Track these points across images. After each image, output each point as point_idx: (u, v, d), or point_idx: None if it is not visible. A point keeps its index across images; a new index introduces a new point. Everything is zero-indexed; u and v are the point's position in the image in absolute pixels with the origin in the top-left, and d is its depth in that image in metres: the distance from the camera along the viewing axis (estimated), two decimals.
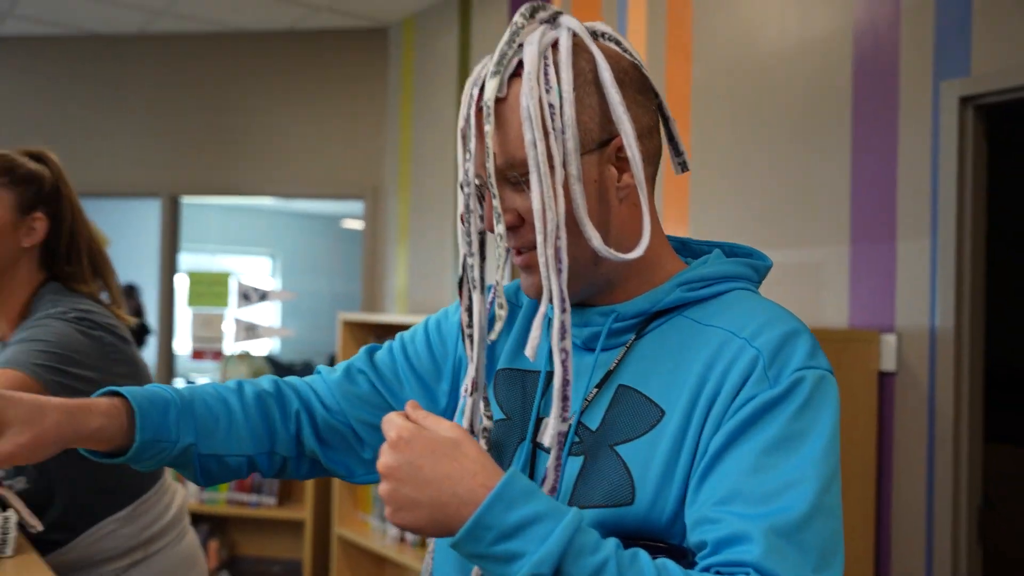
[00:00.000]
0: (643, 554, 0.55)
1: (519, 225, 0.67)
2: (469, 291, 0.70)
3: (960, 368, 1.71)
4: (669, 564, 0.55)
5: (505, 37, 0.66)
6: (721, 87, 2.18)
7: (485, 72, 0.67)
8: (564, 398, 0.63)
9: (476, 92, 0.66)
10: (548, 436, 0.63)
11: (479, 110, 0.66)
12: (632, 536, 0.60)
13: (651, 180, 0.69)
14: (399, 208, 3.55)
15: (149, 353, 5.19)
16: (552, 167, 0.63)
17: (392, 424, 0.60)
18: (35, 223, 1.19)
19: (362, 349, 0.85)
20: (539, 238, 0.63)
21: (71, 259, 1.23)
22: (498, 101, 0.65)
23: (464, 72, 3.21)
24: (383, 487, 0.59)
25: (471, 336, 0.70)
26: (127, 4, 3.37)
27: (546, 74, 0.64)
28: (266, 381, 0.81)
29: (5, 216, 1.17)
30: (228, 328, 3.54)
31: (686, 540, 0.59)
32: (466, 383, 0.70)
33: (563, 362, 0.63)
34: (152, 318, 5.33)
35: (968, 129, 1.71)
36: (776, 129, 2.05)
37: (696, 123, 2.24)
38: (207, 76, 3.74)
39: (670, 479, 0.60)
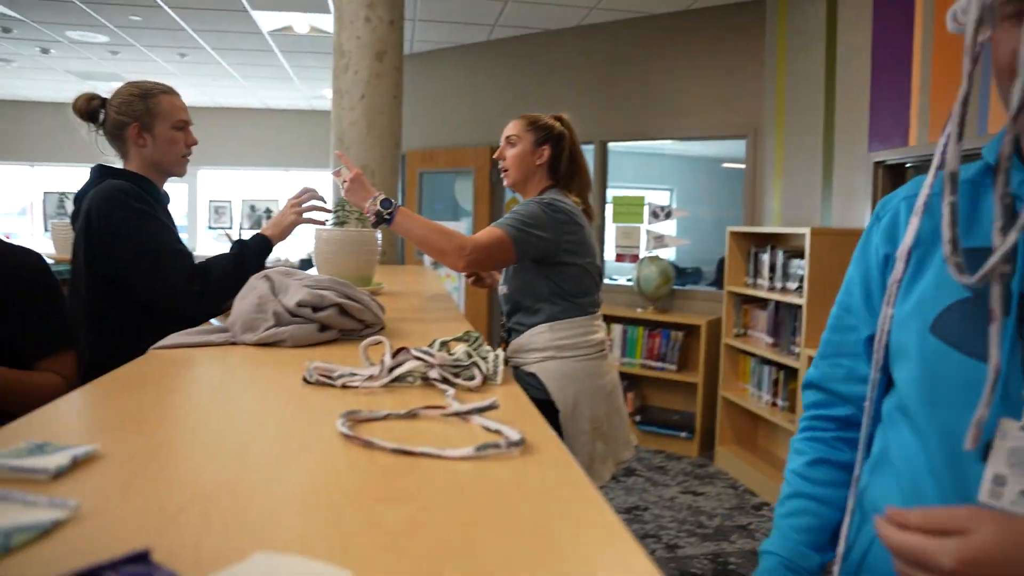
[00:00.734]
0: None
1: None
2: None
3: None
4: None
5: None
6: None
7: None
8: None
9: None
10: None
11: None
12: None
13: None
14: (775, 145, 4.07)
15: None
16: None
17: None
18: (544, 152, 1.84)
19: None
20: None
21: (567, 177, 1.85)
22: None
23: (832, 34, 3.52)
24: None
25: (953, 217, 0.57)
26: (570, 4, 4.53)
27: None
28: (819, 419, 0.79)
29: (526, 147, 1.82)
30: (642, 238, 4.61)
31: None
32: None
33: None
34: None
35: None
36: None
37: None
38: (625, 51, 4.72)
39: None
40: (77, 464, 0.58)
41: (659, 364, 4.29)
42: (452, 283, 5.24)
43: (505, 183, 1.84)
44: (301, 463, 0.60)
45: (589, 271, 1.77)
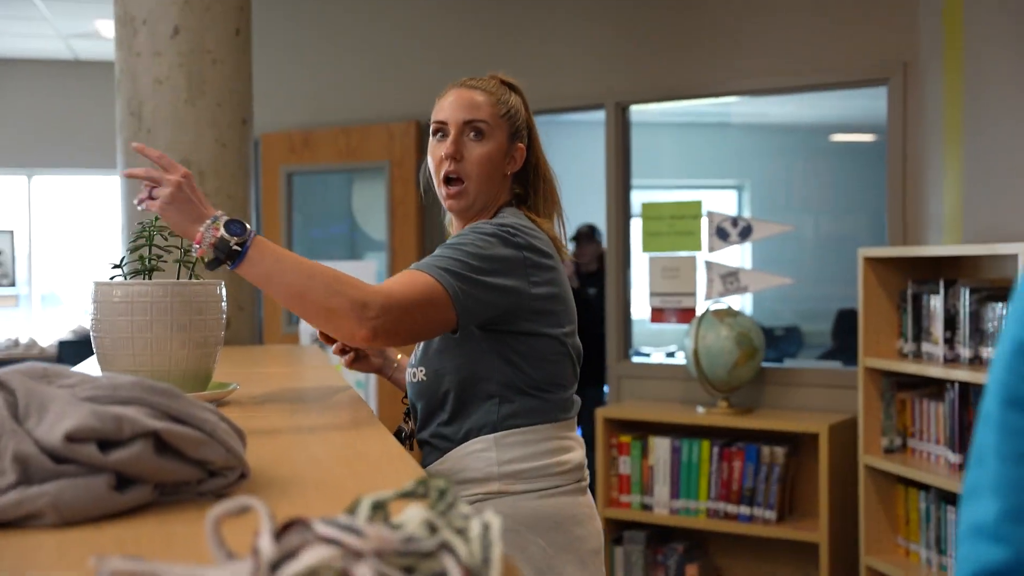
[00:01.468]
0: None
1: None
2: None
3: None
4: None
5: None
6: None
7: None
8: None
9: None
10: None
11: None
12: None
13: None
14: (943, 96, 4.13)
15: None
16: None
17: None
18: (516, 152, 2.06)
19: None
20: None
21: (531, 189, 2.09)
22: None
23: None
24: None
25: None
26: None
27: None
28: None
29: (500, 144, 2.03)
30: (698, 277, 4.60)
31: None
32: None
33: None
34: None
35: None
36: None
37: None
38: None
39: None
40: None
41: (743, 509, 4.31)
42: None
43: (452, 204, 2.02)
44: None
45: (567, 347, 1.97)
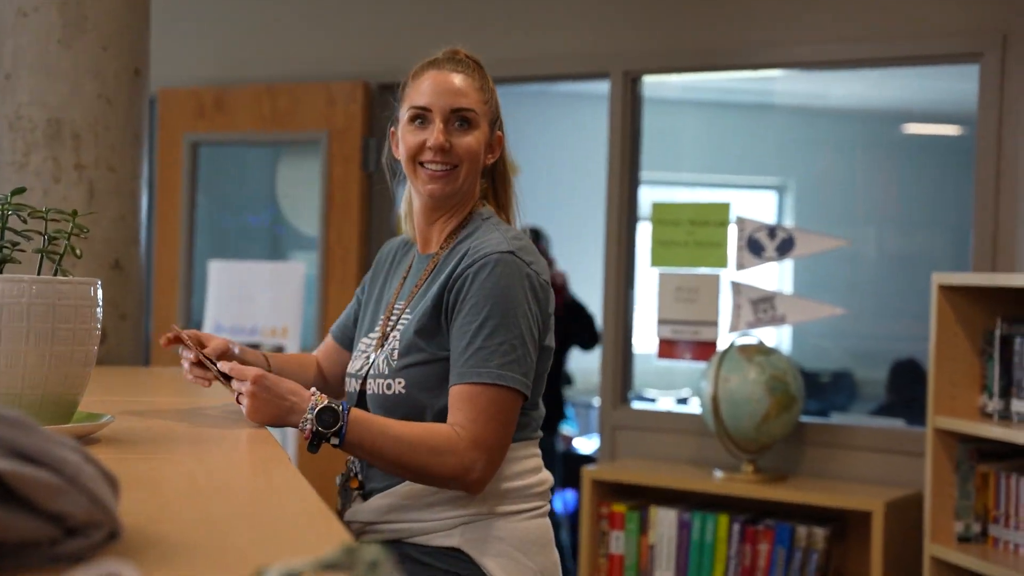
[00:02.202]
0: None
1: None
2: None
3: None
4: None
5: None
6: None
7: None
8: None
9: None
10: None
11: None
12: None
13: None
14: None
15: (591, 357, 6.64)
16: None
17: None
18: (495, 142, 2.44)
19: None
20: None
21: (497, 182, 2.49)
22: None
23: None
24: None
25: None
26: None
27: None
28: None
29: (484, 133, 2.40)
30: (721, 302, 4.62)
31: None
32: None
33: None
34: (589, 293, 6.80)
35: None
36: None
37: None
38: None
39: None
40: None
41: None
42: None
43: (436, 189, 2.38)
44: None
45: (544, 361, 2.41)
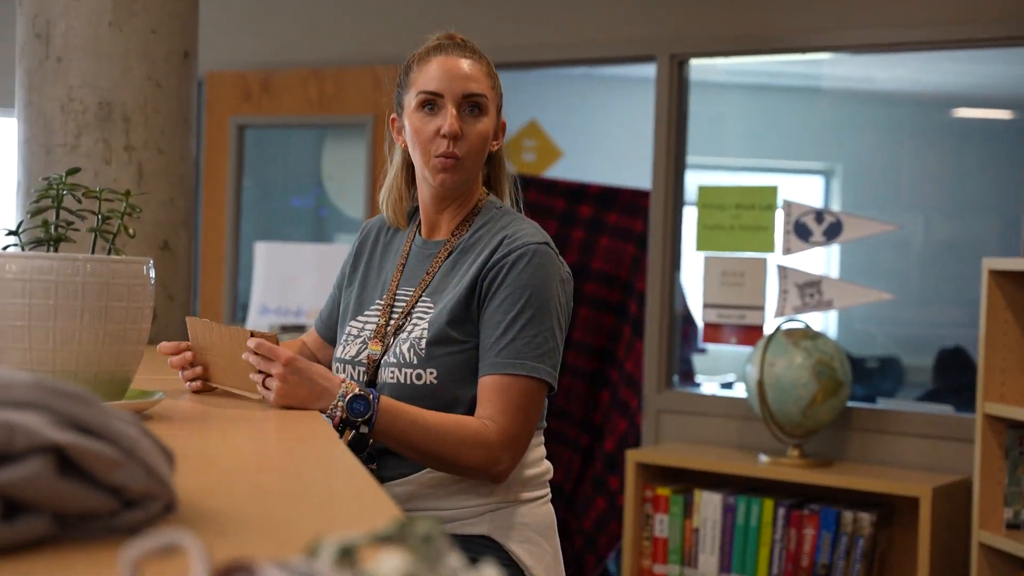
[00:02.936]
0: None
1: None
2: None
3: None
4: None
5: None
6: None
7: None
8: None
9: None
10: None
11: None
12: None
13: None
14: None
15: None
16: None
17: None
18: (501, 128, 2.49)
19: None
20: None
21: (496, 169, 2.55)
22: None
23: None
24: None
25: None
26: None
27: None
28: None
29: (494, 119, 2.44)
30: (769, 286, 4.62)
31: None
32: None
33: None
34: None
35: None
36: None
37: None
38: None
39: None
40: None
41: None
42: None
43: (447, 178, 2.38)
44: None
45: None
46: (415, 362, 2.32)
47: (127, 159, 3.44)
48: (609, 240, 5.35)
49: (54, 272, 1.82)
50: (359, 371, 2.41)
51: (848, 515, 4.28)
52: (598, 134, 7.94)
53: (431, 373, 2.31)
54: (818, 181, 8.31)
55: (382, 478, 2.35)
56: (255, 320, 5.33)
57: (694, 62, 5.03)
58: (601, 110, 7.99)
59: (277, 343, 2.26)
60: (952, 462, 4.37)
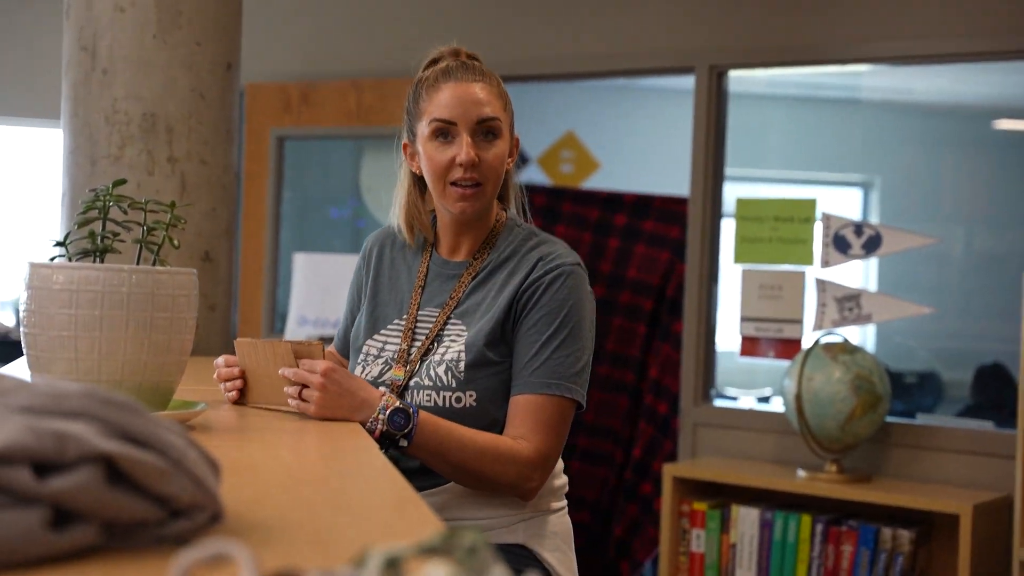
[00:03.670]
0: None
1: None
2: None
3: None
4: None
5: None
6: None
7: None
8: None
9: None
10: None
11: None
12: None
13: None
14: None
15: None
16: None
17: None
18: (515, 146, 2.50)
19: None
20: None
21: (507, 184, 2.57)
22: None
23: None
24: None
25: None
26: None
27: None
28: None
29: (508, 140, 2.45)
30: (807, 300, 4.60)
31: None
32: None
33: None
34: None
35: None
36: None
37: None
38: None
39: None
40: None
41: None
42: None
43: (468, 207, 2.38)
44: None
45: None
46: (453, 385, 2.34)
47: (170, 170, 3.46)
48: (645, 247, 5.34)
49: (100, 283, 1.84)
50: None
51: (887, 532, 4.26)
52: (636, 146, 7.94)
53: (471, 396, 2.34)
54: (857, 193, 8.28)
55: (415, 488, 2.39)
56: (293, 331, 5.36)
57: (733, 73, 5.02)
58: (639, 122, 7.99)
59: (323, 352, 2.26)
60: (993, 479, 4.35)
